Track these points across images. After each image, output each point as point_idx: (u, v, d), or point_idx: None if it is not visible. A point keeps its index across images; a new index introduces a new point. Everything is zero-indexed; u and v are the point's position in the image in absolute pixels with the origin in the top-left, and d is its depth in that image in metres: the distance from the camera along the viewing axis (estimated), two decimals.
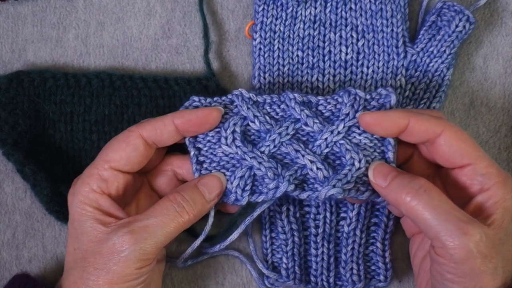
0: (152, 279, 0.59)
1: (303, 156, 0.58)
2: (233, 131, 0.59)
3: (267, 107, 0.61)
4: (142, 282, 0.55)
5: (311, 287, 0.64)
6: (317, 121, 0.59)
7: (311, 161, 0.58)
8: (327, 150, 0.59)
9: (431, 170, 0.61)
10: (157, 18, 0.68)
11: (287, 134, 0.59)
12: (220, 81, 0.67)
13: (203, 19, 0.67)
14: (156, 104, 0.65)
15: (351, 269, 0.64)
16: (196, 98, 0.60)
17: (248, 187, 0.59)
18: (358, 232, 0.64)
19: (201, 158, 0.60)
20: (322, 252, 0.64)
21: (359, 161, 0.58)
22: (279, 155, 0.60)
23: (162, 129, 0.57)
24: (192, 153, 0.60)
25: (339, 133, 0.58)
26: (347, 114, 0.59)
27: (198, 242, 0.60)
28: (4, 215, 0.66)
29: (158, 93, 0.65)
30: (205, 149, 0.60)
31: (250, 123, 0.60)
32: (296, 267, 0.64)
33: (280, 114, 0.60)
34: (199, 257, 0.65)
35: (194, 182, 0.58)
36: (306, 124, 0.59)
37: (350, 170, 0.58)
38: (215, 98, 0.60)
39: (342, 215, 0.64)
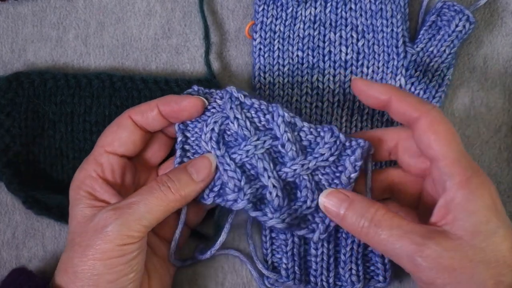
0: (159, 273, 0.60)
1: (268, 178, 0.58)
2: (212, 129, 0.59)
3: (252, 112, 0.60)
4: (127, 263, 0.55)
5: (310, 287, 0.65)
6: (294, 148, 0.59)
7: (274, 186, 0.58)
8: (291, 179, 0.59)
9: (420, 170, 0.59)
10: (157, 18, 0.68)
11: (262, 147, 0.59)
12: (221, 81, 0.67)
13: (203, 19, 0.67)
14: None
15: (350, 269, 0.64)
16: (195, 88, 0.60)
17: (216, 189, 0.59)
18: None
19: (187, 147, 0.60)
20: (322, 252, 0.64)
21: (312, 201, 0.58)
22: (248, 164, 0.59)
23: (147, 112, 0.58)
24: (179, 139, 0.60)
25: (308, 168, 0.58)
26: (323, 155, 0.58)
27: (177, 233, 0.60)
28: (4, 215, 0.66)
29: (158, 94, 0.65)
30: (192, 138, 0.60)
31: (230, 124, 0.60)
32: (296, 267, 0.64)
33: (262, 123, 0.60)
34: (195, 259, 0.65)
35: (184, 165, 0.59)
36: (283, 146, 0.59)
37: (301, 206, 0.58)
38: (211, 90, 0.60)
39: None
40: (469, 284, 0.50)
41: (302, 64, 0.66)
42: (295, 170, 0.58)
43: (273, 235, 0.65)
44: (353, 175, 0.58)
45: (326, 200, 0.57)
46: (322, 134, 0.59)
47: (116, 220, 0.54)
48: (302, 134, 0.59)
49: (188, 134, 0.60)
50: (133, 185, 0.61)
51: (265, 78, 0.66)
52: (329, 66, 0.66)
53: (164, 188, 0.56)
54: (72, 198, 0.58)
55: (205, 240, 0.65)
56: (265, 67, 0.66)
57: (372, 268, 0.65)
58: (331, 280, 0.64)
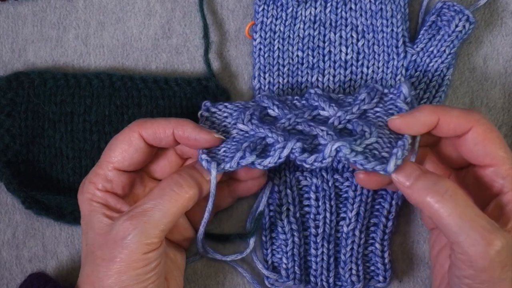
0: (172, 275, 0.60)
1: (315, 127, 0.58)
2: (252, 113, 0.60)
3: (288, 102, 0.62)
4: (152, 270, 0.55)
5: (310, 287, 0.65)
6: (333, 104, 0.60)
7: (322, 130, 0.57)
8: (340, 126, 0.59)
9: (446, 169, 0.61)
10: (157, 18, 0.68)
11: (303, 117, 0.60)
12: (220, 81, 0.67)
13: (203, 19, 0.67)
14: (156, 105, 0.65)
15: (350, 269, 0.64)
16: (210, 103, 0.62)
17: (258, 148, 0.57)
18: (357, 233, 0.64)
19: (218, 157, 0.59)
20: (322, 252, 0.64)
21: (370, 133, 0.56)
22: (293, 133, 0.59)
23: (161, 135, 0.57)
24: (202, 156, 0.58)
25: (353, 113, 0.59)
26: (363, 100, 0.59)
27: (210, 205, 0.58)
28: (4, 215, 0.66)
29: (158, 93, 0.65)
30: (220, 151, 0.59)
31: (269, 111, 0.61)
32: (296, 267, 0.64)
33: (300, 107, 0.61)
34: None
35: (192, 163, 0.59)
36: (323, 109, 0.60)
37: (360, 138, 0.56)
38: (236, 103, 0.62)
39: (341, 215, 0.64)
40: (509, 282, 0.52)
41: (302, 64, 0.66)
42: (340, 116, 0.59)
43: (273, 235, 0.65)
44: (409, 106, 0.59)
45: (397, 172, 0.55)
46: (358, 95, 0.60)
47: (134, 230, 0.53)
48: (340, 101, 0.61)
49: (214, 149, 0.59)
50: (143, 194, 0.61)
51: (265, 78, 0.66)
52: (329, 66, 0.66)
53: (176, 188, 0.55)
54: (85, 209, 0.57)
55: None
56: (265, 67, 0.66)
57: (372, 268, 0.65)
58: (331, 280, 0.64)
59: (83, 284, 0.56)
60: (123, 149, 0.57)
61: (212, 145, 0.58)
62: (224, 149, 0.58)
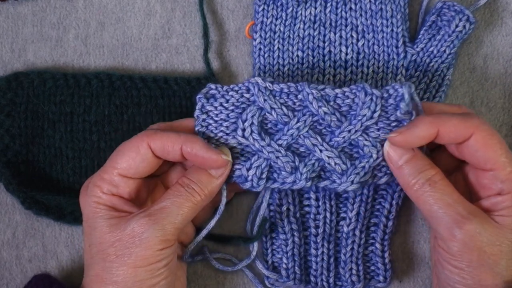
0: (176, 275, 0.60)
1: (320, 151, 0.59)
2: (251, 124, 0.60)
3: (284, 97, 0.60)
4: (165, 266, 0.56)
5: (311, 287, 0.65)
6: (335, 118, 0.59)
7: (329, 157, 0.59)
8: (344, 145, 0.60)
9: (454, 164, 0.61)
10: (157, 18, 0.68)
11: (305, 126, 0.60)
12: (220, 81, 0.67)
13: (203, 19, 0.67)
14: (156, 104, 0.65)
15: (351, 269, 0.64)
16: (212, 86, 0.60)
17: (264, 175, 0.59)
18: (357, 233, 0.64)
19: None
20: (322, 252, 0.64)
21: (377, 153, 0.59)
22: (296, 145, 0.60)
23: (169, 149, 0.57)
24: None
25: (356, 131, 0.59)
26: (364, 115, 0.59)
27: (213, 222, 0.60)
28: (4, 214, 0.66)
29: (157, 93, 0.65)
30: (216, 138, 0.60)
31: (267, 114, 0.60)
32: (296, 267, 0.64)
33: (297, 104, 0.60)
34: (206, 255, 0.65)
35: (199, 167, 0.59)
36: (323, 119, 0.60)
37: (367, 162, 0.59)
38: (231, 86, 0.60)
39: (342, 215, 0.64)
40: (490, 270, 0.53)
41: (302, 64, 0.66)
42: (344, 137, 0.59)
43: (273, 235, 0.65)
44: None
45: (391, 149, 0.58)
46: (358, 94, 0.60)
47: (152, 226, 0.55)
48: (338, 101, 0.60)
49: (211, 135, 0.60)
50: (147, 194, 0.61)
51: None
52: (329, 66, 0.66)
53: (190, 191, 0.57)
54: (89, 211, 0.58)
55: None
56: (265, 67, 0.66)
57: (372, 268, 0.65)
58: (331, 280, 0.64)
59: (91, 284, 0.57)
60: (131, 156, 0.57)
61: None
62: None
